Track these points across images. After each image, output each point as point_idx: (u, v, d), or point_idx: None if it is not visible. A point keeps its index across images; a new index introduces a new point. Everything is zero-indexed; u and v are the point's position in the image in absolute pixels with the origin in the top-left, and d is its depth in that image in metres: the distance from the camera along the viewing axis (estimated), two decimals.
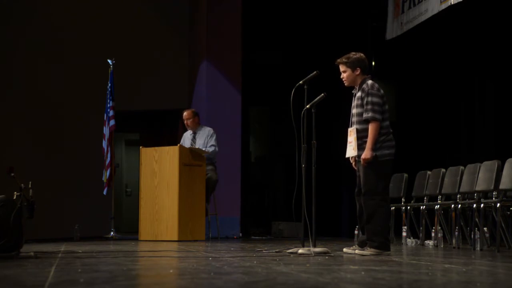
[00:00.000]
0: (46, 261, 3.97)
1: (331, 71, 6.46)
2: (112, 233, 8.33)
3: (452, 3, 7.62)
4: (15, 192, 4.51)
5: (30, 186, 4.52)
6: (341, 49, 10.89)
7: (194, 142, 8.27)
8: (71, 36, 9.56)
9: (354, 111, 5.33)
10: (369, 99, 5.16)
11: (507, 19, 9.31)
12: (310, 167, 5.09)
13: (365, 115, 5.16)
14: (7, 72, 8.83)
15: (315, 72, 5.23)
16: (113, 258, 4.34)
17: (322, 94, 5.21)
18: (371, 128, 5.15)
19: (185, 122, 8.36)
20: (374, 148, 5.13)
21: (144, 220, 7.75)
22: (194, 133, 8.34)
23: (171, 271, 3.47)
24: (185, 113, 8.41)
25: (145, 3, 10.62)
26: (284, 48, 11.10)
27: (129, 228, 11.08)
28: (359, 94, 5.28)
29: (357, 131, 5.24)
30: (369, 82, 5.26)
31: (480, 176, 6.53)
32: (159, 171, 7.68)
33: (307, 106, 5.15)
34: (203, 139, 8.26)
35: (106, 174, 8.47)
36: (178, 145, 7.77)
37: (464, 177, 6.88)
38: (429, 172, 7.74)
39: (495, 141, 9.85)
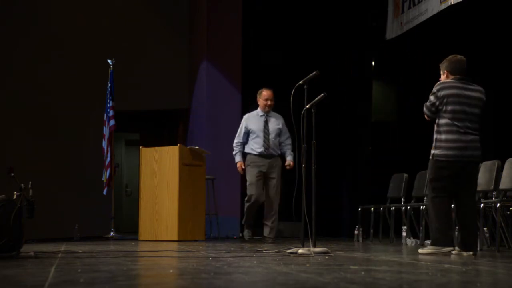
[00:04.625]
0: (46, 261, 3.97)
1: (331, 71, 6.48)
2: (112, 233, 8.33)
3: (452, 3, 7.62)
4: (15, 192, 4.51)
5: (30, 186, 4.52)
6: (342, 49, 10.96)
7: (267, 127, 7.41)
8: (71, 36, 9.57)
9: None
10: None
11: (506, 19, 9.31)
12: (310, 167, 5.10)
13: None
14: (6, 72, 8.83)
15: (315, 72, 5.24)
16: (113, 258, 4.34)
17: (322, 94, 5.22)
18: None
19: (265, 102, 7.40)
20: (434, 146, 5.30)
21: (144, 220, 7.75)
22: (267, 116, 7.46)
23: (171, 271, 3.47)
24: (269, 92, 7.45)
25: (145, 3, 10.63)
26: (284, 48, 11.10)
27: (129, 228, 11.09)
28: None
29: None
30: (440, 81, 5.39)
31: (480, 176, 6.53)
32: (159, 171, 7.68)
33: (307, 106, 5.15)
34: (275, 126, 7.40)
35: (106, 174, 8.47)
36: (178, 145, 7.76)
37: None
38: None
39: (495, 141, 9.85)
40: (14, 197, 4.49)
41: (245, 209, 7.52)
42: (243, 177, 9.90)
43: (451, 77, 5.31)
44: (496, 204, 6.07)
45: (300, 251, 4.78)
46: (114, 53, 8.93)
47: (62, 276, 3.03)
